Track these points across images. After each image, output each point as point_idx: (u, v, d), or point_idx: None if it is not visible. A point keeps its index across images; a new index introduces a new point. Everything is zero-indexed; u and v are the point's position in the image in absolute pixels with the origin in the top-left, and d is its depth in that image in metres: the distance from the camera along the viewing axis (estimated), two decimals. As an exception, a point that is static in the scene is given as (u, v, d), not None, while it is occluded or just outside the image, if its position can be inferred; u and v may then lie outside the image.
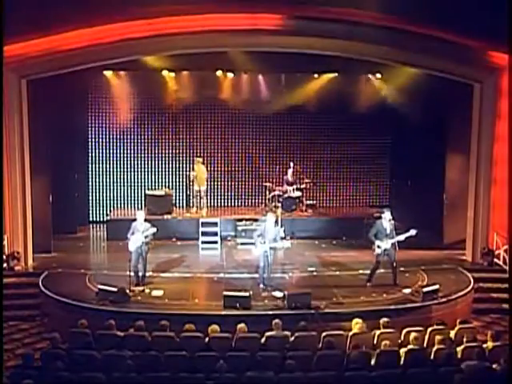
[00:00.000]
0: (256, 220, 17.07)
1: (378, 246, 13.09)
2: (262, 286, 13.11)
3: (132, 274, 13.03)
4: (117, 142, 19.19)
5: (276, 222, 13.78)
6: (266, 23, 13.93)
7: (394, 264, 13.23)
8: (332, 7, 13.69)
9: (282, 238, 13.91)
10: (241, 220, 17.45)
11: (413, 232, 12.90)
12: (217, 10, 13.68)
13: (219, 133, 19.38)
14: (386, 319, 10.42)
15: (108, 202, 19.40)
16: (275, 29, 14.01)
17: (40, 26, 13.24)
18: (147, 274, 13.55)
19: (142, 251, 13.14)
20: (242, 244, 16.70)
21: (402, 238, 12.99)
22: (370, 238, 13.27)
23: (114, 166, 19.27)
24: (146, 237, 13.07)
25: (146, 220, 13.38)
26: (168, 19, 13.81)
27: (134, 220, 13.43)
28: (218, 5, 13.64)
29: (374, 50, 14.44)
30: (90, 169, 19.18)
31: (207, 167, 18.55)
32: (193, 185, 18.18)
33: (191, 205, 18.52)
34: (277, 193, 18.46)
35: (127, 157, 19.25)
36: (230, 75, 17.63)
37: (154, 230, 13.17)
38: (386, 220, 13.14)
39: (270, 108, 19.00)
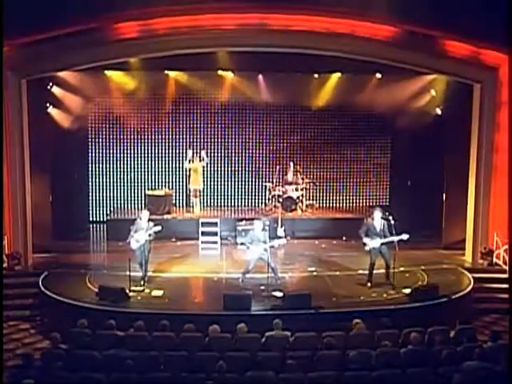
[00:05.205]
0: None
1: (365, 244, 13.18)
2: (241, 281, 13.25)
3: (138, 267, 13.16)
4: (117, 142, 19.18)
5: (263, 229, 13.86)
6: (268, 23, 13.99)
7: (388, 263, 13.25)
8: (335, 7, 13.72)
9: (280, 238, 14.08)
10: (241, 220, 17.46)
11: (404, 236, 12.92)
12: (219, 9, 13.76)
13: (219, 133, 19.36)
14: (385, 319, 10.43)
15: (108, 201, 19.40)
16: (276, 28, 14.05)
17: (40, 25, 13.24)
18: (147, 274, 13.56)
19: (144, 249, 13.20)
20: (241, 244, 16.69)
21: (393, 239, 13.03)
22: (360, 234, 13.34)
23: (114, 166, 19.26)
24: (149, 235, 13.14)
25: (149, 220, 13.42)
26: (168, 19, 13.84)
27: (135, 220, 13.51)
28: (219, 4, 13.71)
29: (374, 50, 14.45)
30: (89, 169, 19.18)
31: (207, 167, 18.53)
32: (188, 182, 18.18)
33: (190, 204, 18.52)
34: (277, 193, 18.48)
35: (127, 157, 19.24)
36: (230, 75, 17.62)
37: (159, 228, 13.22)
38: (377, 220, 13.22)
39: (270, 108, 19.03)
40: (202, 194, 18.45)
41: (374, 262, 13.31)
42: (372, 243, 13.11)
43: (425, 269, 14.58)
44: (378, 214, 13.32)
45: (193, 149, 18.55)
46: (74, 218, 17.92)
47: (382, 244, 13.09)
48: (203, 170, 18.22)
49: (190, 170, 18.04)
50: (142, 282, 13.24)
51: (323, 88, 18.01)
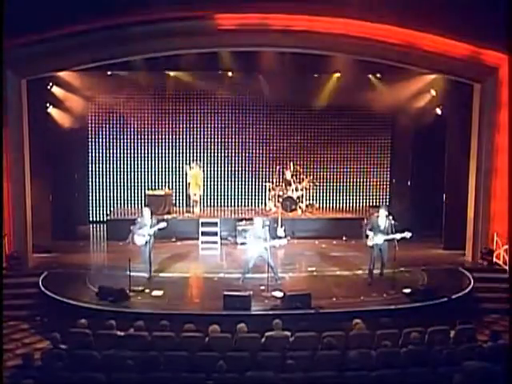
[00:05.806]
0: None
1: (367, 237, 13.32)
2: (241, 281, 13.32)
3: (144, 266, 13.35)
4: (117, 142, 19.20)
5: (263, 225, 13.87)
6: (268, 23, 13.98)
7: (384, 260, 13.38)
8: (335, 7, 13.72)
9: (280, 237, 14.04)
10: (241, 220, 17.46)
11: (407, 234, 13.03)
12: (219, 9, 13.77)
13: (219, 133, 19.37)
14: (385, 319, 10.42)
15: (108, 201, 19.42)
16: (276, 28, 14.05)
17: (40, 25, 13.24)
18: (152, 273, 13.66)
19: (149, 244, 13.29)
20: (241, 244, 16.69)
21: (396, 237, 13.11)
22: (364, 229, 13.54)
23: (114, 166, 19.28)
24: (154, 231, 13.25)
25: (151, 216, 13.51)
26: (167, 19, 13.84)
27: (135, 220, 13.59)
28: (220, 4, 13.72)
29: (374, 50, 14.45)
30: (89, 169, 19.19)
31: (207, 167, 18.52)
32: (188, 187, 18.16)
33: (191, 205, 18.51)
34: (277, 193, 18.48)
35: (127, 157, 19.26)
36: (230, 74, 17.60)
37: (164, 224, 13.36)
38: (382, 217, 13.35)
39: (270, 108, 19.04)
40: (202, 197, 18.41)
41: (375, 259, 13.36)
42: (375, 239, 13.21)
43: (425, 269, 14.58)
44: (383, 211, 13.46)
45: (194, 159, 18.63)
46: (74, 217, 17.92)
47: (384, 240, 13.20)
48: (203, 177, 18.25)
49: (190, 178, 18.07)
50: (148, 282, 13.29)
51: (323, 88, 18.02)
